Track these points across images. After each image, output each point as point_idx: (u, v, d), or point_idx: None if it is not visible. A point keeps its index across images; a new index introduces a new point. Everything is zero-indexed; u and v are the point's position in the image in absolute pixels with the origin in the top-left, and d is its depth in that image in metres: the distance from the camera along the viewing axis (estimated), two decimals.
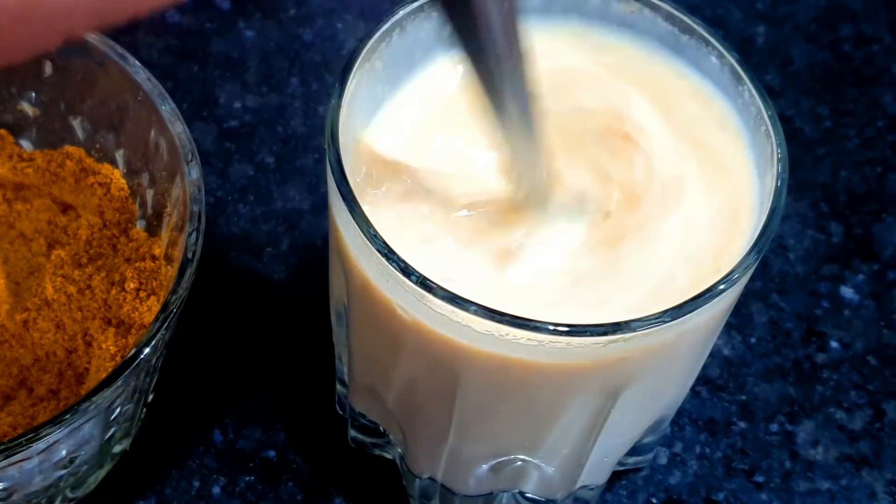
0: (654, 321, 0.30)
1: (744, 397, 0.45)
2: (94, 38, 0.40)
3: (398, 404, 0.37)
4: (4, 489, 0.34)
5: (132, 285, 0.39)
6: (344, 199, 0.32)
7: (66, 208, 0.42)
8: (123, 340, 0.38)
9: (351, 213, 0.31)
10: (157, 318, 0.34)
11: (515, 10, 0.28)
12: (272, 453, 0.42)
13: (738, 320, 0.47)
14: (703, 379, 0.45)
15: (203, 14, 0.55)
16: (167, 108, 0.39)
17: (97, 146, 0.42)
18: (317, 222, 0.48)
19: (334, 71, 0.53)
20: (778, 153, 0.34)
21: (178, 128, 0.39)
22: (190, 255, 0.36)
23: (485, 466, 0.37)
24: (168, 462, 0.42)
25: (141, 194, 0.41)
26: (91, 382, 0.38)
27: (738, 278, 0.31)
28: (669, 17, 0.37)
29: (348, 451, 0.43)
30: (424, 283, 0.30)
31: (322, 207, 0.49)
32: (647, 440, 0.40)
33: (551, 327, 0.29)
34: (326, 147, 0.33)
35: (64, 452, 0.35)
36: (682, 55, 0.37)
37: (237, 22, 0.54)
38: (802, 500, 0.43)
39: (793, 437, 0.44)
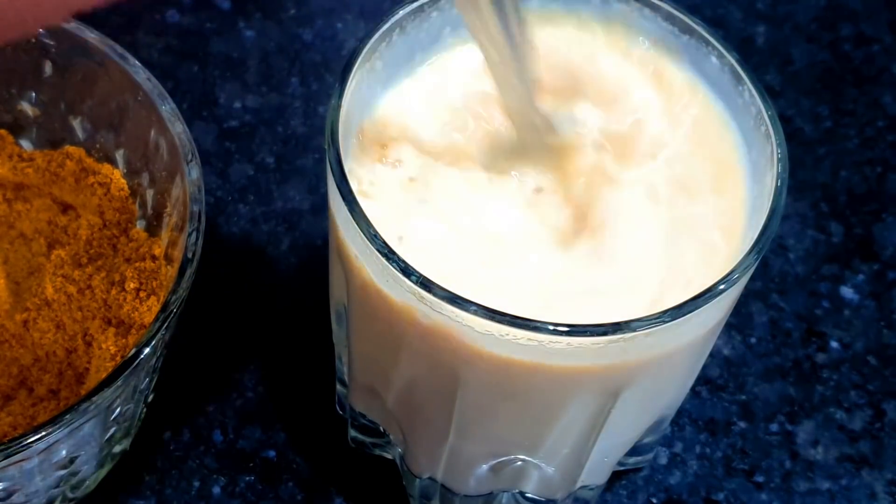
0: (654, 321, 0.30)
1: (744, 397, 0.45)
2: (94, 38, 0.40)
3: (398, 404, 0.37)
4: (4, 489, 0.34)
5: (132, 285, 0.39)
6: (344, 199, 0.32)
7: (66, 208, 0.42)
8: (123, 340, 0.38)
9: (351, 213, 0.31)
10: (157, 318, 0.34)
11: None
12: (272, 453, 0.42)
13: (738, 320, 0.47)
14: (703, 379, 0.45)
15: (203, 14, 0.55)
16: (167, 108, 0.39)
17: (97, 146, 0.42)
18: (317, 222, 0.48)
19: (334, 71, 0.53)
20: (778, 153, 0.34)
21: (178, 128, 0.39)
22: (190, 255, 0.36)
23: (485, 466, 0.37)
24: (168, 462, 0.42)
25: (141, 194, 0.41)
26: (91, 382, 0.38)
27: (738, 278, 0.31)
28: (669, 17, 0.37)
29: (348, 451, 0.43)
30: (424, 283, 0.30)
31: (322, 207, 0.49)
32: (647, 440, 0.40)
33: (551, 327, 0.29)
34: (326, 147, 0.33)
35: (64, 452, 0.35)
36: (682, 55, 0.37)
37: (237, 22, 0.54)
38: (802, 500, 0.43)
39: (793, 437, 0.44)
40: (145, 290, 0.39)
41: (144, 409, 0.40)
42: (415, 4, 0.36)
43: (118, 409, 0.36)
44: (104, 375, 0.33)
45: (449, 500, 0.40)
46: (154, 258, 0.39)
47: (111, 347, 0.38)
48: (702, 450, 0.44)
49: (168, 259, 0.39)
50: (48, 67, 0.42)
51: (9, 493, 0.34)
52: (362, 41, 0.35)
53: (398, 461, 0.41)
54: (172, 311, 0.35)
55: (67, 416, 0.32)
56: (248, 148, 0.50)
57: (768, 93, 0.35)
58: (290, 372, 0.44)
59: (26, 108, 0.43)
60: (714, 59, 0.36)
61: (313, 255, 0.47)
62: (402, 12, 0.36)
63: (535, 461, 0.37)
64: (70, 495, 0.38)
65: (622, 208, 0.34)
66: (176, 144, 0.38)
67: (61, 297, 0.39)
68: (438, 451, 0.37)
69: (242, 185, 0.49)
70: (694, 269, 0.33)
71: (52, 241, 0.41)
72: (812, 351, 0.46)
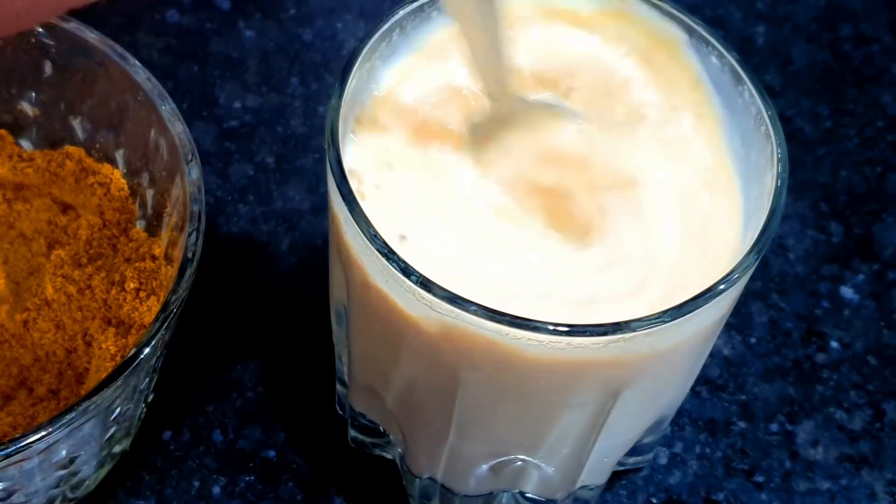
0: (654, 321, 0.30)
1: (744, 397, 0.45)
2: (94, 38, 0.40)
3: (398, 404, 0.37)
4: (4, 489, 0.34)
5: (132, 285, 0.39)
6: (344, 199, 0.32)
7: (66, 208, 0.42)
8: (123, 340, 0.38)
9: (351, 213, 0.31)
10: (157, 318, 0.34)
11: None
12: (272, 453, 0.42)
13: (738, 320, 0.47)
14: (703, 379, 0.45)
15: (203, 14, 0.55)
16: (167, 108, 0.39)
17: (97, 146, 0.42)
18: (317, 222, 0.48)
19: (334, 71, 0.53)
20: (778, 153, 0.34)
21: (178, 128, 0.39)
22: (190, 255, 0.36)
23: (485, 466, 0.37)
24: (168, 462, 0.42)
25: (141, 194, 0.41)
26: (91, 382, 0.38)
27: (738, 278, 0.31)
28: (670, 17, 0.37)
29: (348, 451, 0.43)
30: (424, 283, 0.30)
31: (322, 207, 0.49)
32: (647, 440, 0.40)
33: (551, 327, 0.29)
34: (326, 147, 0.33)
35: (64, 452, 0.35)
36: (681, 54, 0.37)
37: (237, 22, 0.54)
38: (802, 500, 0.43)
39: (793, 437, 0.44)
40: (145, 290, 0.39)
41: (144, 409, 0.40)
42: (415, 4, 0.36)
43: (118, 409, 0.36)
44: (104, 375, 0.33)
45: (449, 500, 0.40)
46: (154, 258, 0.39)
47: (111, 347, 0.38)
48: (702, 450, 0.44)
49: (168, 259, 0.39)
50: (48, 67, 0.42)
51: (9, 493, 0.34)
52: (362, 41, 0.35)
53: (398, 461, 0.41)
54: (172, 311, 0.35)
55: (67, 416, 0.32)
56: (248, 148, 0.50)
57: (768, 93, 0.35)
58: (290, 372, 0.44)
59: (26, 108, 0.43)
60: (714, 59, 0.36)
61: (313, 255, 0.47)
62: (402, 12, 0.36)
63: (535, 461, 0.37)
64: (70, 495, 0.38)
65: (622, 209, 0.34)
66: (176, 144, 0.38)
67: (61, 297, 0.39)
68: (438, 451, 0.37)
69: (242, 185, 0.49)
70: (694, 269, 0.33)
71: (52, 241, 0.41)
72: (812, 351, 0.46)
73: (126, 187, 0.42)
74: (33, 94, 0.43)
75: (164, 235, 0.40)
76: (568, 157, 0.35)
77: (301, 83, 0.53)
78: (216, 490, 0.41)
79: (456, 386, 0.33)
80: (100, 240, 0.41)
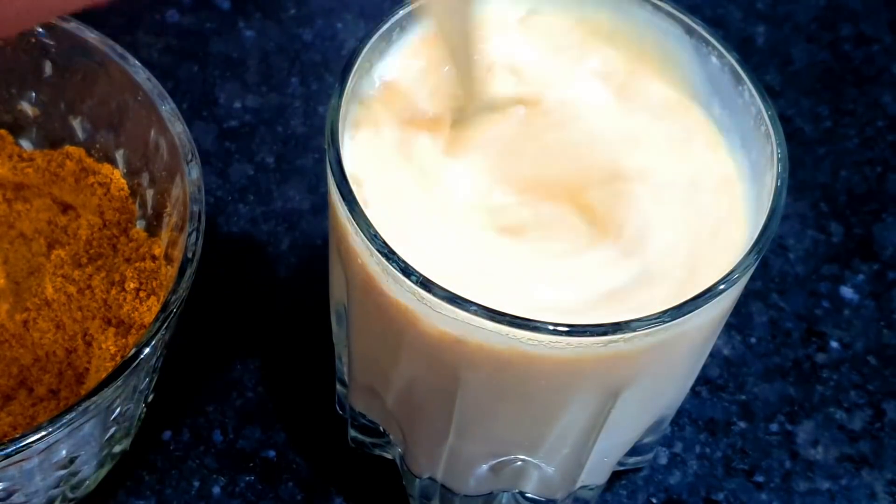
0: (654, 321, 0.30)
1: (744, 397, 0.45)
2: (94, 38, 0.40)
3: (398, 404, 0.37)
4: (4, 489, 0.34)
5: (132, 285, 0.39)
6: (344, 198, 0.32)
7: (66, 208, 0.42)
8: (123, 340, 0.38)
9: (351, 213, 0.31)
10: (157, 318, 0.34)
11: None
12: (272, 453, 0.42)
13: (738, 320, 0.47)
14: (703, 379, 0.45)
15: (203, 14, 0.55)
16: (167, 108, 0.39)
17: (97, 146, 0.42)
18: (317, 222, 0.48)
19: (334, 71, 0.53)
20: (778, 153, 0.34)
21: (178, 128, 0.39)
22: (190, 255, 0.36)
23: (485, 466, 0.37)
24: (168, 462, 0.42)
25: (141, 194, 0.41)
26: (91, 382, 0.38)
27: (738, 278, 0.31)
28: (670, 17, 0.37)
29: (348, 451, 0.43)
30: (424, 283, 0.30)
31: (322, 207, 0.49)
32: (647, 440, 0.40)
33: (551, 327, 0.29)
34: (326, 147, 0.33)
35: (64, 452, 0.35)
36: (682, 55, 0.37)
37: (237, 22, 0.54)
38: (802, 500, 0.43)
39: (793, 437, 0.44)
40: (145, 290, 0.39)
41: (144, 409, 0.40)
42: (415, 4, 0.36)
43: (118, 409, 0.36)
44: (104, 375, 0.33)
45: (449, 500, 0.40)
46: (154, 258, 0.39)
47: (111, 347, 0.38)
48: (702, 450, 0.44)
49: (168, 259, 0.39)
50: (48, 67, 0.42)
51: (9, 493, 0.34)
52: (362, 41, 0.35)
53: (398, 461, 0.41)
54: (172, 311, 0.35)
55: (67, 416, 0.32)
56: (248, 148, 0.50)
57: (768, 93, 0.35)
58: (290, 372, 0.44)
59: (26, 108, 0.43)
60: (714, 59, 0.36)
61: (313, 255, 0.47)
62: (402, 12, 0.36)
63: (535, 461, 0.37)
64: (70, 495, 0.38)
65: (622, 209, 0.34)
66: (176, 144, 0.38)
67: (61, 297, 0.39)
68: (438, 451, 0.37)
69: (242, 185, 0.49)
70: (693, 269, 0.33)
71: (52, 241, 0.41)
72: (812, 351, 0.46)
73: (126, 187, 0.42)
74: (33, 94, 0.43)
75: (164, 235, 0.40)
76: (565, 157, 0.35)
77: (301, 83, 0.53)
78: (216, 490, 0.41)
79: (456, 386, 0.33)
80: (100, 240, 0.41)
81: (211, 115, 0.51)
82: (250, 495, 0.41)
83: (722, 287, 0.31)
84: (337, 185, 0.32)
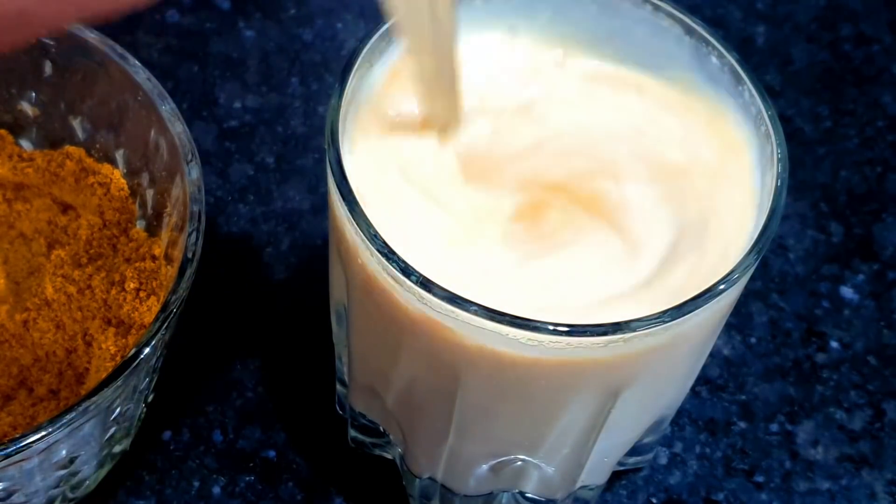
0: (654, 321, 0.30)
1: (744, 397, 0.45)
2: (94, 37, 0.40)
3: (398, 404, 0.37)
4: (4, 489, 0.34)
5: (132, 285, 0.39)
6: (344, 199, 0.32)
7: (66, 208, 0.42)
8: (123, 340, 0.38)
9: (351, 213, 0.31)
10: (157, 318, 0.34)
11: None
12: (272, 453, 0.42)
13: (738, 320, 0.47)
14: (703, 379, 0.45)
15: (203, 14, 0.55)
16: (167, 108, 0.39)
17: (97, 146, 0.42)
18: (317, 222, 0.48)
19: (334, 71, 0.53)
20: (778, 153, 0.34)
21: (178, 128, 0.39)
22: (190, 255, 0.36)
23: (485, 466, 0.37)
24: (168, 462, 0.42)
25: (141, 194, 0.41)
26: (91, 382, 0.38)
27: (738, 278, 0.31)
28: (670, 17, 0.37)
29: (348, 451, 0.43)
30: (424, 283, 0.30)
31: (322, 207, 0.49)
32: (647, 440, 0.40)
33: (551, 327, 0.29)
34: (326, 147, 0.33)
35: (64, 452, 0.35)
36: (682, 55, 0.37)
37: (237, 22, 0.54)
38: (802, 500, 0.43)
39: (793, 437, 0.44)
40: (145, 290, 0.39)
41: (144, 409, 0.40)
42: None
43: (118, 409, 0.36)
44: (104, 375, 0.33)
45: (449, 500, 0.40)
46: (154, 258, 0.39)
47: (111, 347, 0.38)
48: (702, 450, 0.44)
49: (168, 259, 0.39)
50: (48, 67, 0.42)
51: (9, 493, 0.34)
52: (362, 41, 0.35)
53: (398, 461, 0.41)
54: (172, 311, 0.35)
55: (67, 416, 0.32)
56: (248, 148, 0.50)
57: (768, 93, 0.35)
58: (290, 372, 0.44)
59: (26, 108, 0.43)
60: (714, 59, 0.36)
61: (313, 255, 0.47)
62: None
63: (535, 461, 0.37)
64: (70, 495, 0.38)
65: (621, 209, 0.34)
66: (176, 144, 0.38)
67: (61, 297, 0.39)
68: (438, 451, 0.37)
69: (242, 185, 0.49)
70: (694, 269, 0.33)
71: (52, 241, 0.41)
72: (812, 351, 0.46)
73: (126, 187, 0.42)
74: (33, 94, 0.43)
75: (164, 235, 0.40)
76: (563, 159, 0.35)
77: (301, 83, 0.53)
78: (216, 490, 0.41)
79: (456, 386, 0.33)
80: (100, 240, 0.41)
81: (211, 115, 0.51)
82: (250, 495, 0.41)
83: (722, 287, 0.31)
84: (337, 185, 0.32)
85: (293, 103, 0.52)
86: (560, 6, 0.37)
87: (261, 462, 0.42)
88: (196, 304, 0.38)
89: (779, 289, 0.48)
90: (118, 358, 0.37)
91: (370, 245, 0.31)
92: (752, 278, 0.38)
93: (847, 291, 0.48)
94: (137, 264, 0.39)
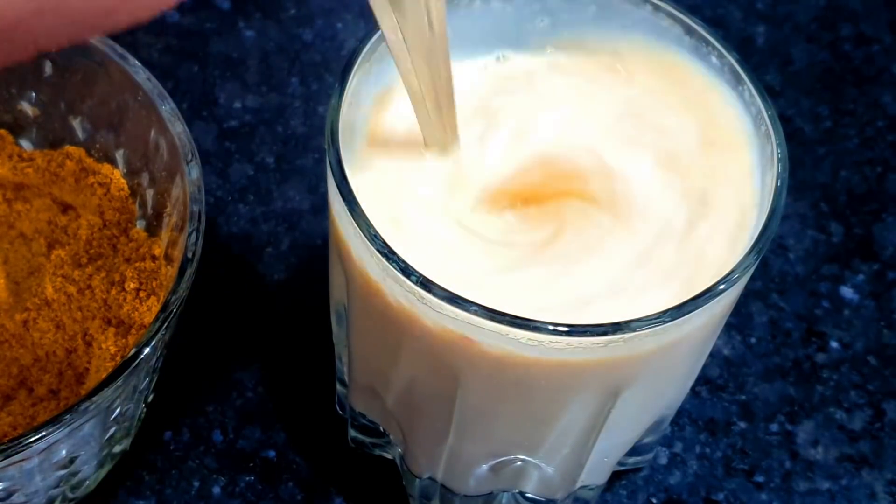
0: (654, 321, 0.30)
1: (744, 397, 0.45)
2: (94, 37, 0.40)
3: (398, 404, 0.37)
4: (4, 489, 0.34)
5: (132, 285, 0.39)
6: (344, 199, 0.32)
7: (66, 208, 0.42)
8: (123, 340, 0.38)
9: (351, 213, 0.31)
10: (157, 318, 0.34)
11: None
12: (272, 453, 0.42)
13: (738, 320, 0.47)
14: (703, 379, 0.45)
15: (203, 14, 0.55)
16: (167, 108, 0.39)
17: (97, 146, 0.42)
18: (317, 222, 0.48)
19: (334, 71, 0.53)
20: (778, 153, 0.34)
21: (178, 128, 0.39)
22: (190, 255, 0.36)
23: (485, 466, 0.37)
24: (168, 462, 0.42)
25: (141, 194, 0.41)
26: (91, 382, 0.38)
27: (738, 278, 0.31)
28: (670, 17, 0.37)
29: (348, 451, 0.43)
30: (424, 283, 0.30)
31: (322, 207, 0.49)
32: (647, 440, 0.40)
33: (551, 327, 0.29)
34: (326, 147, 0.33)
35: (64, 452, 0.35)
36: (682, 55, 0.37)
37: (237, 22, 0.54)
38: (802, 500, 0.43)
39: (793, 437, 0.44)
40: (145, 290, 0.39)
41: (144, 409, 0.40)
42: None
43: (118, 409, 0.36)
44: (104, 375, 0.33)
45: (449, 500, 0.40)
46: (154, 258, 0.39)
47: (111, 347, 0.38)
48: (702, 450, 0.44)
49: (168, 259, 0.39)
50: (48, 67, 0.42)
51: (9, 493, 0.34)
52: (362, 41, 0.35)
53: (398, 461, 0.41)
54: (172, 311, 0.35)
55: (67, 416, 0.32)
56: (248, 148, 0.50)
57: (768, 93, 0.35)
58: (290, 372, 0.44)
59: (26, 108, 0.43)
60: (714, 59, 0.36)
61: (313, 255, 0.47)
62: None
63: (535, 461, 0.37)
64: (70, 495, 0.38)
65: (620, 209, 0.34)
66: (176, 144, 0.38)
67: (61, 297, 0.39)
68: (438, 452, 0.37)
69: (242, 185, 0.49)
70: (694, 269, 0.33)
71: (52, 241, 0.41)
72: (812, 351, 0.46)
73: (126, 187, 0.42)
74: (33, 94, 0.43)
75: (164, 235, 0.40)
76: (563, 160, 0.35)
77: (301, 83, 0.53)
78: (216, 490, 0.41)
79: (456, 386, 0.33)
80: (100, 240, 0.41)
81: (211, 115, 0.51)
82: (250, 495, 0.41)
83: (722, 287, 0.31)
84: (337, 185, 0.32)
85: (293, 103, 0.52)
86: (558, 11, 0.37)
87: (261, 462, 0.42)
88: (196, 304, 0.38)
89: (779, 289, 0.48)
90: (118, 358, 0.37)
91: (370, 245, 0.31)
92: (752, 278, 0.38)
93: (847, 291, 0.48)
94: (137, 264, 0.39)
